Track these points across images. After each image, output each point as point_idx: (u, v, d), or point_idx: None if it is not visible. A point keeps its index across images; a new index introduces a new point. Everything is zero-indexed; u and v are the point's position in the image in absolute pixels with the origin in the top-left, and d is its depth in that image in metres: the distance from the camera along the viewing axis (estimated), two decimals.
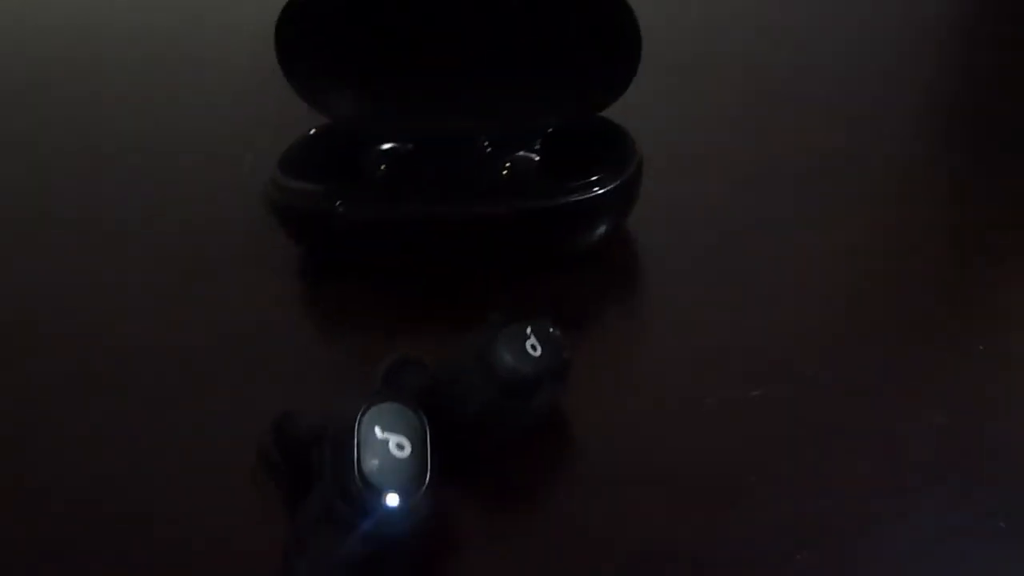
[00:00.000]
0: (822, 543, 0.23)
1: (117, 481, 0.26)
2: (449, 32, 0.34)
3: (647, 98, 0.34)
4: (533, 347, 0.24)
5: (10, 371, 0.30)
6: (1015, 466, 0.24)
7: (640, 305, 0.32)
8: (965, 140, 0.39)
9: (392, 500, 0.21)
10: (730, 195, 0.35)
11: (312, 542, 0.22)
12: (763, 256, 0.32)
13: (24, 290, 0.34)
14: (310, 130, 0.35)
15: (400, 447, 0.21)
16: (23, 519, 0.25)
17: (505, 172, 0.32)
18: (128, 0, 0.57)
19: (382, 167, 0.33)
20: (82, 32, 0.54)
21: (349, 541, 0.21)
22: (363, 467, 0.21)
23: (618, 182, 0.31)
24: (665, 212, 0.34)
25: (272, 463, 0.24)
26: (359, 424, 0.21)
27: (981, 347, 0.28)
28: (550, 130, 0.33)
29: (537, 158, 0.33)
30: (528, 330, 0.25)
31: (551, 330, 0.25)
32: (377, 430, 0.21)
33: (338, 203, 0.31)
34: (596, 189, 0.30)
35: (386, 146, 0.34)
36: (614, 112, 0.33)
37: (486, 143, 0.33)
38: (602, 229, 0.32)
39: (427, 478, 0.21)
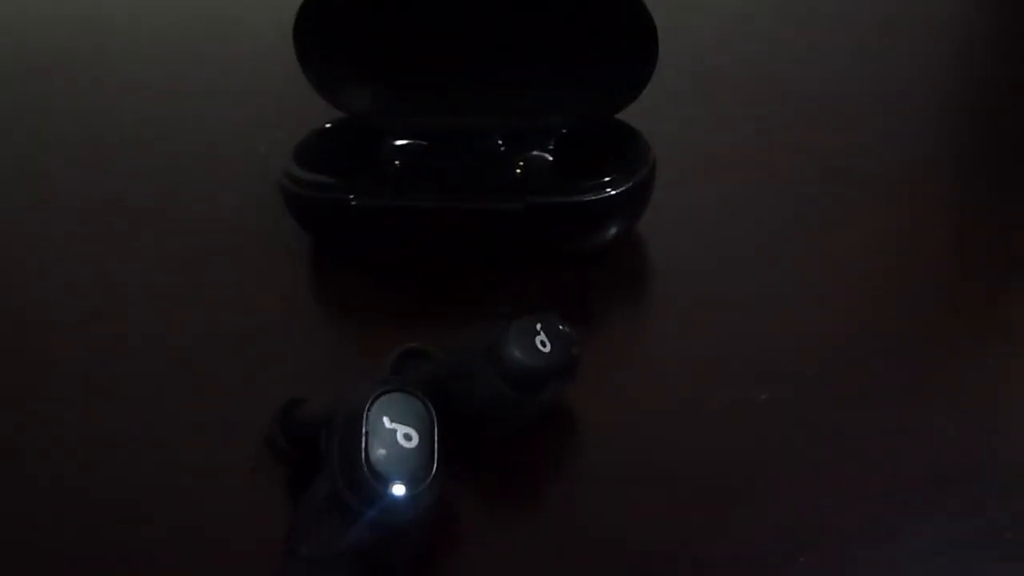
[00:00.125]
0: (824, 546, 0.23)
1: (117, 476, 0.26)
2: (466, 30, 0.34)
3: (662, 101, 0.34)
4: (543, 343, 0.24)
5: (7, 365, 0.30)
6: (1023, 477, 0.24)
7: (647, 306, 0.32)
8: (974, 147, 0.40)
9: (398, 490, 0.21)
10: (741, 199, 0.35)
11: (315, 529, 0.22)
12: (773, 260, 0.32)
13: (24, 280, 0.34)
14: (326, 123, 0.35)
15: (408, 437, 0.22)
16: (19, 518, 0.25)
17: (519, 171, 0.33)
18: None
19: (396, 162, 0.34)
20: (98, 22, 0.54)
21: (353, 529, 0.21)
22: (370, 456, 0.21)
23: (631, 184, 0.31)
24: (676, 214, 0.34)
25: (278, 449, 0.25)
26: (367, 413, 0.21)
27: (985, 349, 0.28)
28: (564, 131, 0.33)
29: (551, 158, 0.33)
30: (538, 326, 0.25)
31: (561, 327, 0.25)
32: (385, 420, 0.22)
33: (351, 195, 0.31)
34: (609, 190, 0.30)
35: (401, 142, 0.34)
36: (629, 114, 0.33)
37: (500, 141, 0.33)
38: (613, 230, 0.32)
39: (433, 469, 0.22)
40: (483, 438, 0.25)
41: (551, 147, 0.33)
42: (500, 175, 0.33)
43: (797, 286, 0.31)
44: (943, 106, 0.43)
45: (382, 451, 0.21)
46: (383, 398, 0.22)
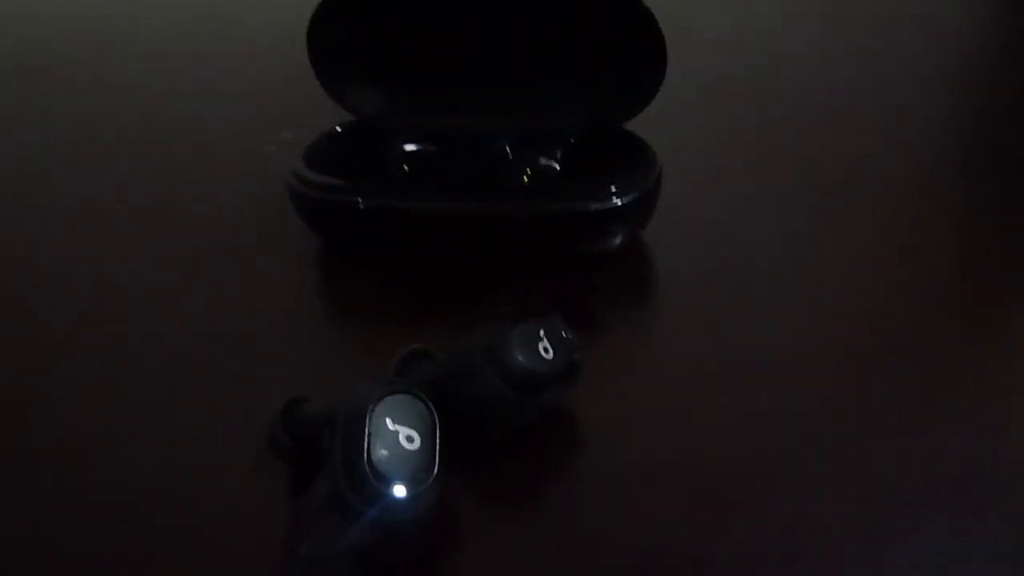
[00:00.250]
0: (822, 549, 0.23)
1: (117, 476, 0.26)
2: (476, 37, 0.35)
3: (669, 111, 0.34)
4: (545, 349, 0.25)
5: (10, 364, 0.30)
6: (1021, 483, 0.25)
7: (650, 311, 0.32)
8: (979, 157, 0.40)
9: (399, 490, 0.21)
10: (745, 208, 0.36)
11: (316, 528, 0.23)
12: (776, 271, 0.33)
13: (26, 280, 0.34)
14: (335, 126, 0.36)
15: (410, 439, 0.22)
16: (19, 518, 0.25)
17: (526, 177, 0.33)
18: None
19: (404, 166, 0.34)
20: (102, 22, 0.55)
21: (354, 529, 0.22)
22: (372, 457, 0.21)
23: (637, 193, 0.31)
24: (681, 222, 0.34)
25: (280, 447, 0.25)
26: (371, 414, 0.22)
27: (990, 361, 0.28)
28: (572, 139, 0.34)
29: (558, 166, 0.33)
30: (541, 331, 0.25)
31: (564, 332, 0.25)
32: (388, 421, 0.22)
33: (360, 197, 0.32)
34: (615, 199, 0.31)
35: (410, 147, 0.34)
36: (636, 124, 0.34)
37: (508, 148, 0.34)
38: (618, 238, 0.32)
39: (434, 471, 0.22)
40: (484, 439, 0.25)
41: (558, 155, 0.33)
42: (507, 181, 0.33)
43: (799, 294, 0.32)
44: (949, 115, 0.43)
45: (384, 452, 0.21)
46: (387, 400, 0.22)
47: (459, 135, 0.34)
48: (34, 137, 0.44)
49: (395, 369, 0.26)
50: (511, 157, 0.34)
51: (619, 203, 0.31)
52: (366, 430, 0.21)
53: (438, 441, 0.22)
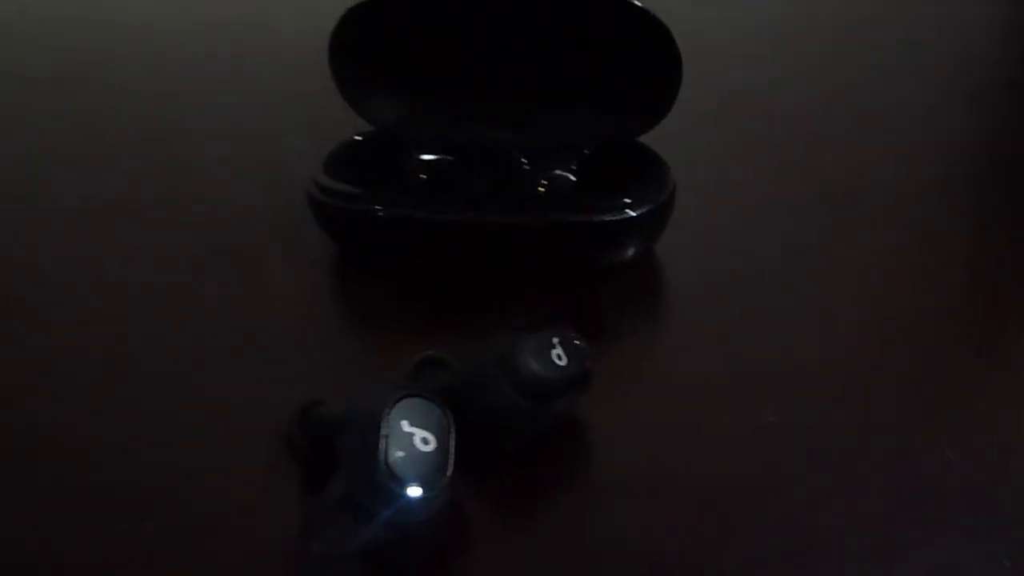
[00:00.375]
0: (826, 563, 0.23)
1: (134, 476, 0.26)
2: (495, 51, 0.35)
3: (683, 125, 0.34)
4: (559, 356, 0.25)
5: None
6: (1022, 504, 0.25)
7: (661, 323, 0.33)
8: (992, 175, 0.40)
9: (414, 491, 0.22)
10: (758, 222, 0.36)
11: (329, 527, 0.23)
12: (787, 284, 0.33)
13: (42, 280, 0.35)
14: (355, 136, 0.36)
15: (425, 441, 0.22)
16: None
17: (541, 188, 0.33)
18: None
19: (422, 176, 0.34)
20: (134, 28, 0.56)
21: (367, 528, 0.22)
22: (388, 458, 0.22)
23: (650, 205, 0.31)
24: (693, 236, 0.35)
25: (296, 447, 0.25)
26: (387, 416, 0.22)
27: (1000, 375, 0.29)
28: (587, 151, 0.34)
29: (573, 178, 0.33)
30: (555, 339, 0.25)
31: (576, 341, 0.26)
32: (404, 424, 0.22)
33: (378, 206, 0.32)
34: (628, 211, 0.31)
35: (427, 157, 0.35)
36: (651, 137, 0.34)
37: (524, 159, 0.34)
38: (631, 250, 0.33)
39: (448, 473, 0.22)
40: (497, 446, 0.26)
41: (574, 167, 0.33)
42: (523, 192, 0.33)
43: (810, 310, 0.32)
44: (960, 129, 0.43)
45: (400, 453, 0.22)
46: (403, 402, 0.23)
47: (476, 146, 0.35)
48: (51, 140, 0.45)
49: (409, 375, 0.27)
50: (527, 168, 0.34)
51: (632, 215, 0.31)
52: (382, 431, 0.22)
53: (452, 444, 0.23)
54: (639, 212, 0.31)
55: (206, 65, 0.51)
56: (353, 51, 0.35)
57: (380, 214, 0.32)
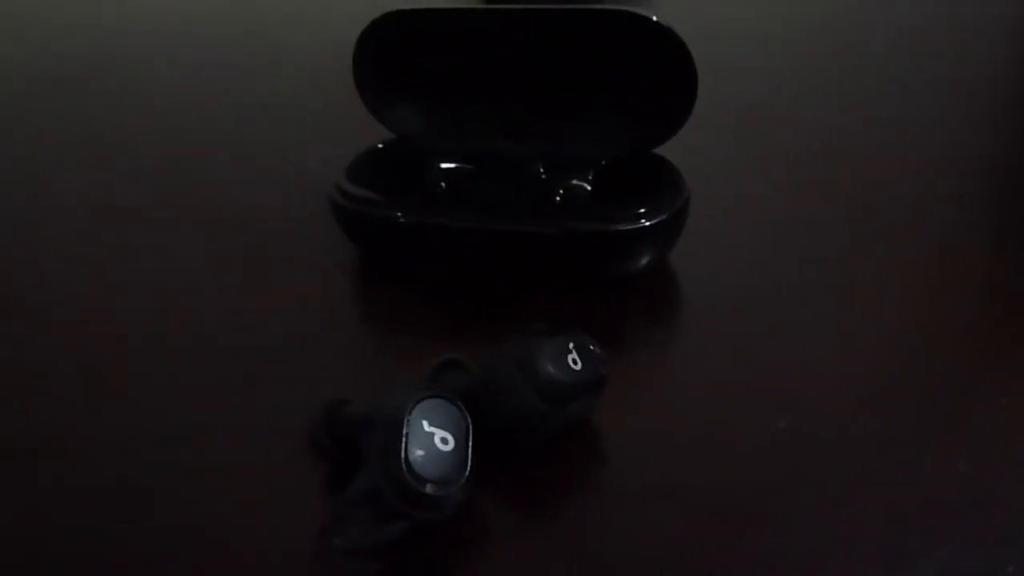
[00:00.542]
0: (834, 570, 0.24)
1: (159, 477, 0.27)
2: (514, 63, 0.36)
3: (699, 137, 0.35)
4: (575, 361, 0.26)
5: (27, 363, 0.31)
6: None
7: (675, 331, 0.33)
8: (1012, 197, 0.40)
9: (433, 489, 0.22)
10: (773, 235, 0.36)
11: (353, 521, 0.24)
12: (802, 296, 0.33)
13: (65, 280, 0.36)
14: (378, 144, 0.37)
15: (444, 441, 0.23)
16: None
17: (558, 198, 0.34)
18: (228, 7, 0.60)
19: (442, 184, 0.35)
20: (162, 32, 0.57)
21: (389, 523, 0.23)
22: (409, 456, 0.22)
23: (665, 216, 0.32)
24: (707, 246, 0.35)
25: (321, 446, 0.26)
26: (409, 416, 0.23)
27: (1004, 401, 0.29)
28: (604, 162, 0.35)
29: (589, 188, 0.34)
30: (571, 344, 0.26)
31: (592, 347, 0.27)
32: (425, 423, 0.23)
33: (400, 212, 0.33)
34: (643, 220, 0.32)
35: (447, 165, 0.36)
36: (666, 148, 0.35)
37: (542, 169, 0.35)
38: (645, 259, 0.33)
39: (467, 471, 0.23)
40: (514, 447, 0.26)
41: (590, 177, 0.34)
42: (541, 201, 0.34)
43: (825, 320, 0.32)
44: (979, 143, 0.43)
45: (420, 452, 0.23)
46: (423, 403, 0.23)
47: (495, 156, 0.36)
48: (58, 142, 0.46)
49: (429, 377, 0.27)
50: (544, 178, 0.35)
51: (646, 224, 0.32)
52: (404, 431, 0.22)
53: (471, 444, 0.23)
54: (653, 222, 0.32)
55: (237, 73, 0.52)
56: (376, 62, 0.36)
57: (401, 220, 0.33)
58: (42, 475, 0.27)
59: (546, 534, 0.25)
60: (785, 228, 0.37)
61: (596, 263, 0.33)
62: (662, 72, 0.33)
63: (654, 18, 0.33)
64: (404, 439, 0.22)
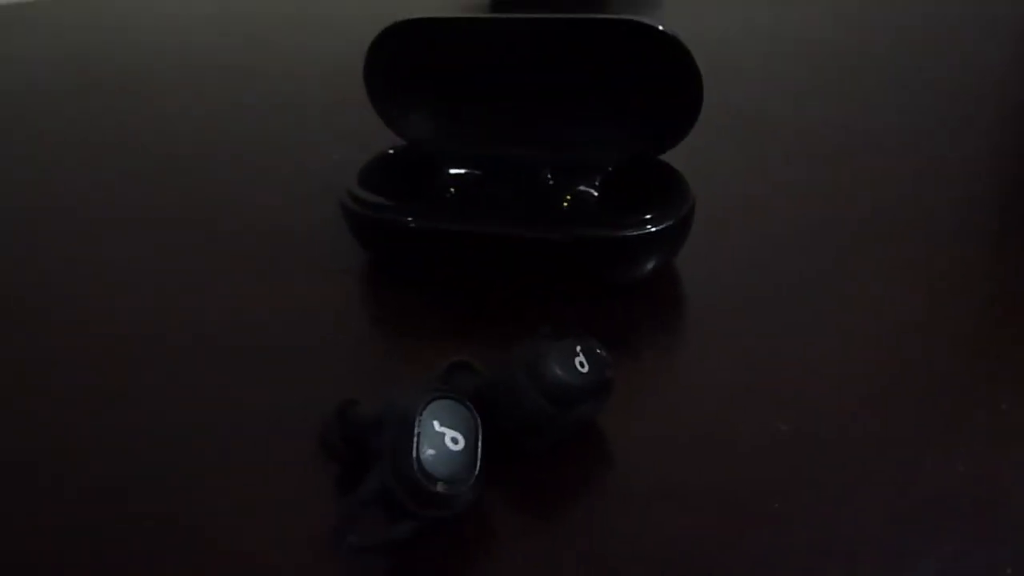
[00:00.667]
0: (835, 569, 0.24)
1: (159, 477, 0.27)
2: (522, 71, 0.37)
3: (704, 143, 0.35)
4: (581, 364, 0.26)
5: (27, 363, 0.31)
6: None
7: (680, 335, 0.33)
8: (1014, 198, 0.40)
9: (444, 488, 0.23)
10: (776, 239, 0.37)
11: (364, 519, 0.24)
12: (804, 300, 0.34)
13: (65, 280, 0.36)
14: (388, 149, 0.38)
15: (455, 441, 0.24)
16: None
17: (566, 204, 0.35)
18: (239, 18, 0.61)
19: (452, 190, 0.36)
20: (167, 43, 0.57)
21: (400, 521, 0.23)
22: (420, 456, 0.23)
23: (670, 222, 0.33)
24: (712, 251, 0.36)
25: (332, 445, 0.26)
26: (420, 416, 0.23)
27: (1004, 401, 0.29)
28: (610, 168, 0.35)
29: (596, 193, 0.35)
30: (578, 348, 0.27)
31: (598, 350, 0.27)
32: (435, 423, 0.23)
33: (410, 217, 0.34)
34: (649, 226, 0.32)
35: (457, 171, 0.36)
36: (672, 155, 0.35)
37: (549, 175, 0.35)
38: (651, 264, 0.34)
39: (476, 471, 0.24)
40: (521, 449, 0.27)
41: (597, 183, 0.35)
42: (548, 207, 0.35)
43: (828, 323, 0.32)
44: (986, 147, 0.44)
45: (431, 452, 0.23)
46: (434, 403, 0.24)
47: (503, 162, 0.36)
48: (84, 145, 0.46)
49: (440, 378, 0.28)
50: (552, 184, 0.35)
51: (652, 230, 0.32)
52: (416, 430, 0.23)
53: (480, 444, 0.24)
54: (659, 228, 0.32)
55: (250, 80, 0.52)
56: (387, 69, 0.37)
57: (411, 225, 0.34)
58: (42, 475, 0.27)
59: (552, 535, 0.25)
60: (785, 228, 0.37)
61: (602, 268, 0.34)
62: (667, 79, 0.34)
63: (660, 27, 0.33)
64: (416, 438, 0.23)
